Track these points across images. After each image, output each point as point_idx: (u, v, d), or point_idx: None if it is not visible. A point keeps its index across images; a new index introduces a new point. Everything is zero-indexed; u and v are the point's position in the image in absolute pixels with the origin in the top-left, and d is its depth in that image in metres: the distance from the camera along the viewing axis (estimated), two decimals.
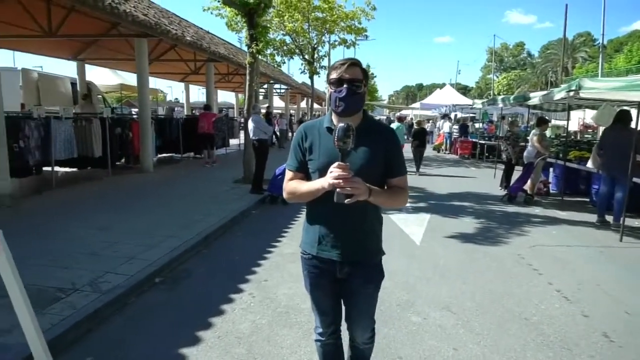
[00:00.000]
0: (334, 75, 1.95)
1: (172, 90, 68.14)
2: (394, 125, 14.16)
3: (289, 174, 2.14)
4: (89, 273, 4.25)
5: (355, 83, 1.93)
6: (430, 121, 29.62)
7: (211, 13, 11.41)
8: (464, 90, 69.86)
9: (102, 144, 9.67)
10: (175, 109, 28.28)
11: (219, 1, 9.71)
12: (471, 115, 24.40)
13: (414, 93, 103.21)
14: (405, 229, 6.60)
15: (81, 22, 11.45)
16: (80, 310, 3.51)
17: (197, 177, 10.91)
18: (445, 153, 21.56)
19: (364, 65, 2.08)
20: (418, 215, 7.60)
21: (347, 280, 2.10)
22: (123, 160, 12.08)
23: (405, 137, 14.18)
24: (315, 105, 37.33)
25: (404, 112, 38.67)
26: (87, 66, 16.17)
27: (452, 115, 23.23)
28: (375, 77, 48.42)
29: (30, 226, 5.79)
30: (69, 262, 4.51)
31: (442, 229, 6.76)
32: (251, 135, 8.67)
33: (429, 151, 22.39)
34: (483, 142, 17.74)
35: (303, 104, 36.84)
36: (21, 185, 8.61)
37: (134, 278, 4.22)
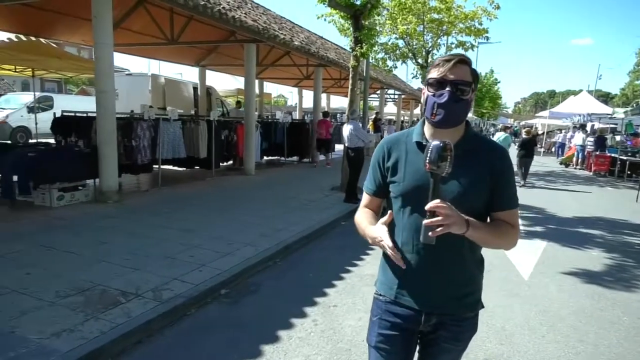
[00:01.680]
0: (434, 74, 1.54)
1: (292, 96, 70.85)
2: (499, 135, 13.02)
3: (364, 198, 1.82)
4: (156, 278, 4.17)
5: (461, 86, 1.51)
6: (562, 131, 26.53)
7: (325, 20, 11.31)
8: (605, 97, 61.90)
9: (208, 145, 10.02)
10: (292, 113, 29.18)
11: (324, 4, 9.47)
12: (611, 126, 21.22)
13: (544, 100, 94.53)
14: (512, 258, 5.62)
15: (200, 30, 12.13)
16: (133, 319, 3.37)
17: (295, 181, 10.83)
18: (575, 168, 18.99)
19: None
20: (531, 242, 6.49)
21: (431, 332, 1.69)
22: (231, 161, 12.55)
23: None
24: None
25: (530, 121, 35.31)
26: (207, 72, 17.23)
27: (588, 126, 20.41)
28: (499, 82, 45.11)
29: (124, 222, 6.04)
30: (143, 264, 4.50)
31: (560, 262, 5.63)
32: (347, 142, 8.25)
33: (555, 165, 20.02)
34: (625, 157, 15.16)
35: (417, 110, 35.58)
36: (132, 182, 9.26)
37: (197, 288, 4.03)
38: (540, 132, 30.16)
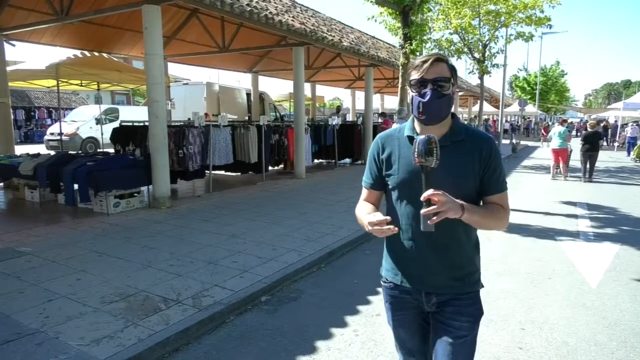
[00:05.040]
0: (414, 76, 1.68)
1: (348, 98, 70.64)
2: (557, 129, 12.48)
3: (363, 192, 1.95)
4: (198, 284, 4.18)
5: (440, 83, 1.65)
6: (633, 124, 24.42)
7: (375, 21, 11.10)
8: None
9: (258, 150, 10.10)
10: (346, 115, 29.15)
11: (372, 2, 9.26)
12: None
13: (618, 91, 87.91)
14: (578, 264, 5.12)
15: (251, 37, 12.35)
16: (171, 327, 3.37)
17: (345, 184, 10.65)
18: None
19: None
20: (600, 245, 5.91)
21: (436, 313, 1.82)
22: (281, 165, 12.63)
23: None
24: (491, 108, 34.47)
25: (602, 114, 32.90)
26: (261, 77, 17.52)
27: None
28: (565, 74, 42.42)
29: (174, 228, 6.17)
30: (186, 270, 4.53)
31: (635, 268, 5.06)
32: None
33: (630, 160, 18.43)
34: None
35: (476, 108, 34.27)
36: (186, 188, 9.52)
37: (237, 295, 3.98)
38: (611, 123, 27.97)
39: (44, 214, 7.04)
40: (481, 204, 1.76)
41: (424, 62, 1.65)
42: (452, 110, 1.75)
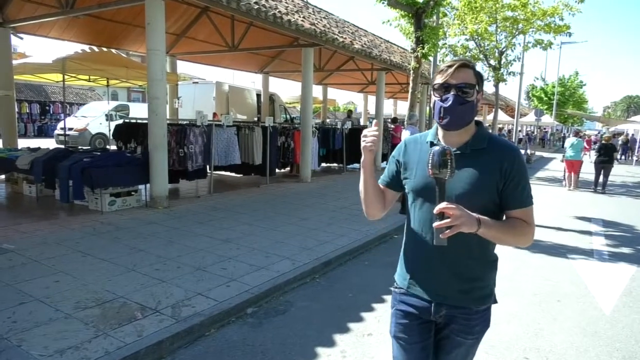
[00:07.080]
0: (438, 80, 1.64)
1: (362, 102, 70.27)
2: (572, 140, 12.45)
3: None
4: (181, 292, 3.94)
5: (464, 89, 1.60)
6: None
7: (390, 24, 10.84)
8: None
9: (263, 152, 9.88)
10: (359, 119, 28.86)
11: (384, 3, 9.00)
12: None
13: (638, 104, 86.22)
14: (591, 286, 4.77)
15: (262, 37, 12.14)
16: (144, 339, 3.12)
17: (351, 189, 10.34)
18: None
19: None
20: (615, 266, 5.54)
21: (443, 326, 1.77)
22: (288, 168, 12.40)
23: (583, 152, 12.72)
24: (506, 117, 33.91)
25: (620, 126, 32.10)
26: (274, 79, 17.35)
27: None
28: (584, 85, 41.59)
29: (167, 230, 5.95)
30: (171, 275, 4.29)
31: None
32: None
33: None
34: None
35: (490, 116, 33.71)
36: (187, 188, 9.32)
37: (220, 306, 3.73)
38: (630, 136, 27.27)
39: (37, 210, 6.88)
40: (504, 218, 1.70)
41: (449, 66, 1.61)
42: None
